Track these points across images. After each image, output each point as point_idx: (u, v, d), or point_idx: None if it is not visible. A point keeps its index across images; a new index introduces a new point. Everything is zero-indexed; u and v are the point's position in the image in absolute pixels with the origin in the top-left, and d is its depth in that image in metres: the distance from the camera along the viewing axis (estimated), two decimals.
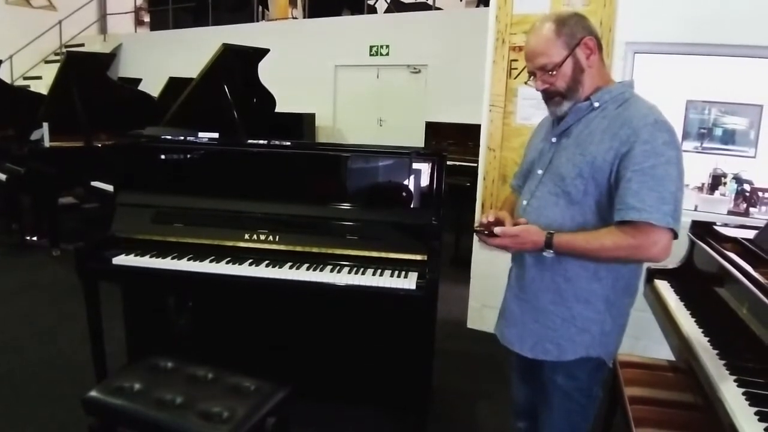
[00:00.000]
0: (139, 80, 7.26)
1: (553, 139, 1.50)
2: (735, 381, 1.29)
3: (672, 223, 1.29)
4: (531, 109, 3.02)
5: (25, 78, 9.90)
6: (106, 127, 4.81)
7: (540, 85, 1.44)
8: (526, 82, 1.52)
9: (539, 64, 1.42)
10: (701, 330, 1.61)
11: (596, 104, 1.42)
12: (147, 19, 11.14)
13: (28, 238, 4.99)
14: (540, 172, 1.50)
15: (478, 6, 7.13)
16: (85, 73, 4.64)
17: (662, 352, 2.02)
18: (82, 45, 10.05)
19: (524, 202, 1.53)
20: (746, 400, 1.21)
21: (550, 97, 1.45)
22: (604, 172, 1.36)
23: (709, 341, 1.53)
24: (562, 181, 1.42)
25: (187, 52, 7.33)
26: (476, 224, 1.53)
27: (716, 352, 1.45)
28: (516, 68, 3.09)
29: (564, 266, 1.43)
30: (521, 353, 1.54)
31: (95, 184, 4.60)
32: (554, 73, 1.40)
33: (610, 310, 1.45)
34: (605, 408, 1.98)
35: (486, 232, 1.44)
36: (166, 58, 8.42)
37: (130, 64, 9.63)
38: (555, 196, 1.44)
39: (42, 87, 8.06)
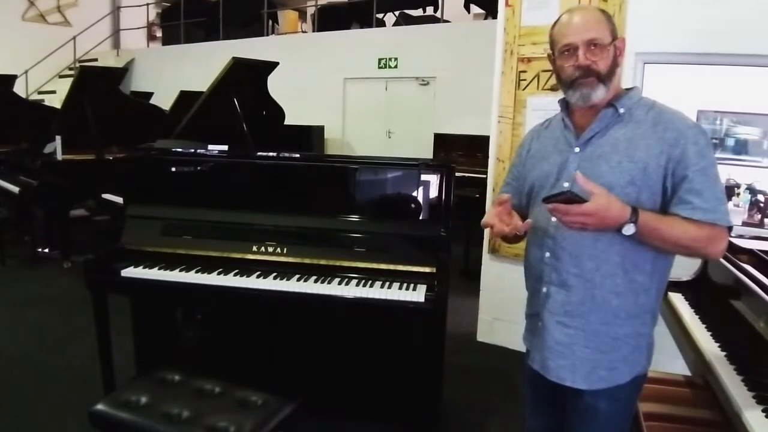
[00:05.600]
0: (150, 94, 7.37)
1: (577, 149, 1.42)
2: (754, 398, 1.25)
3: (731, 222, 1.32)
4: (540, 120, 2.99)
5: (40, 92, 10.07)
6: (117, 140, 4.87)
7: (584, 59, 1.36)
8: (555, 60, 1.42)
9: (589, 37, 1.35)
10: (718, 344, 1.57)
11: (621, 110, 1.38)
12: (159, 34, 11.34)
13: (40, 250, 5.02)
14: (566, 185, 1.40)
15: (486, 18, 7.17)
16: (98, 87, 4.68)
17: (677, 366, 1.98)
18: (95, 60, 10.22)
19: (553, 219, 1.40)
20: (766, 417, 1.17)
21: (587, 75, 1.36)
22: (658, 176, 1.32)
23: (726, 356, 1.49)
24: (610, 190, 1.31)
25: (198, 66, 7.43)
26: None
27: (734, 367, 1.41)
28: (525, 79, 3.08)
29: (614, 281, 1.36)
30: (573, 386, 1.41)
31: (106, 196, 4.64)
32: (598, 50, 1.34)
33: (654, 322, 1.42)
34: None
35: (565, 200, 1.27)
36: (178, 72, 8.53)
37: (142, 78, 9.77)
38: None
39: (56, 101, 8.21)
